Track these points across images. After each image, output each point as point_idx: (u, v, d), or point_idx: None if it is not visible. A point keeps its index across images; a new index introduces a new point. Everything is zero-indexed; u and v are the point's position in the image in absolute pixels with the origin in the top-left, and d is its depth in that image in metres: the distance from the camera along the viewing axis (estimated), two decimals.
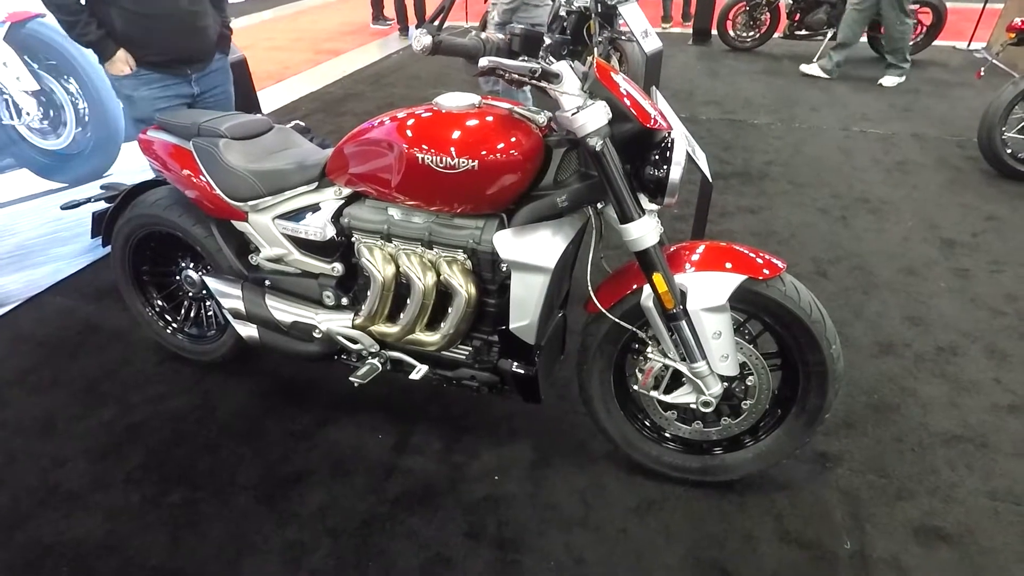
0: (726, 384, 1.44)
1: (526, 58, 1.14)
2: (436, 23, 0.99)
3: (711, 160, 3.54)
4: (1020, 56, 4.63)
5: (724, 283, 1.33)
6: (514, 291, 1.39)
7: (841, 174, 3.35)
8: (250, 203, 1.64)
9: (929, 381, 1.98)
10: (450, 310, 1.49)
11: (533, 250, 1.34)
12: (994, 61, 4.64)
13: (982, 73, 3.66)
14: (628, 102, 1.27)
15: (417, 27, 1.00)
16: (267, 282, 1.74)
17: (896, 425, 1.82)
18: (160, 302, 2.08)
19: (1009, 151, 3.15)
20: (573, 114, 1.24)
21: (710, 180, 1.83)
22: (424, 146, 1.32)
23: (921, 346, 2.12)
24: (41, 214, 1.90)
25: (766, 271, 1.36)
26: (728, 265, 1.35)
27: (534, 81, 1.20)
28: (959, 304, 2.33)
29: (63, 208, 1.90)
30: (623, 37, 3.77)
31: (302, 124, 3.51)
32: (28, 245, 2.40)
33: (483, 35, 1.12)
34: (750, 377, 1.46)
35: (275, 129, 1.78)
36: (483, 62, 1.06)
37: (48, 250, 2.53)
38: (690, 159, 1.82)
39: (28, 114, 2.39)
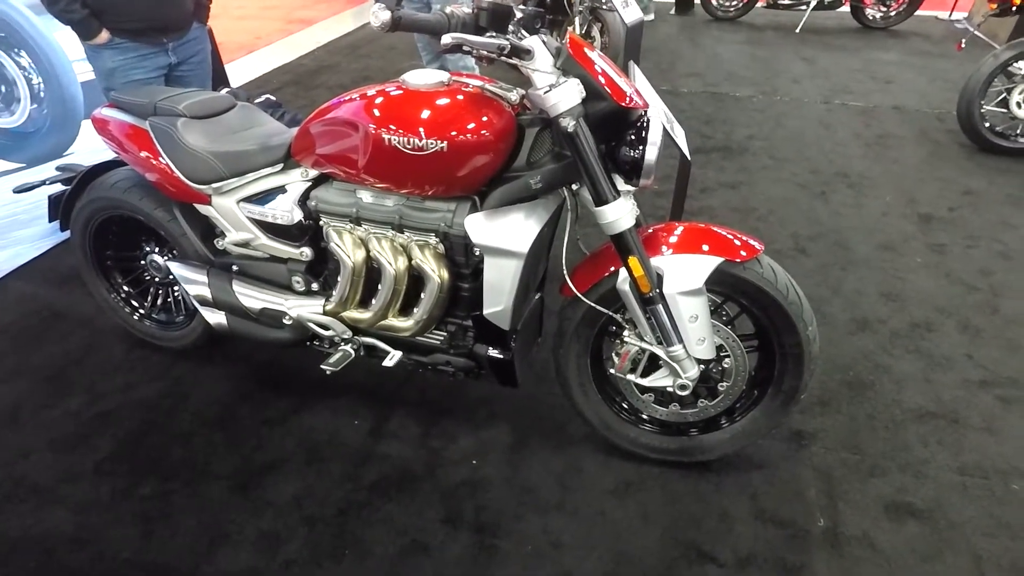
0: (703, 367, 1.43)
1: (494, 34, 1.08)
2: None
3: (692, 135, 3.50)
4: (1002, 27, 4.61)
5: (701, 266, 1.31)
6: (487, 276, 1.36)
7: (822, 148, 3.34)
8: (213, 186, 1.57)
9: (903, 357, 1.99)
10: (423, 295, 1.45)
11: (506, 234, 1.30)
12: (975, 32, 4.62)
13: (963, 45, 3.64)
14: (603, 79, 1.22)
15: (376, 1, 0.94)
16: (234, 267, 1.69)
17: (870, 402, 1.84)
18: (126, 288, 2.01)
19: (988, 125, 3.15)
20: (545, 92, 1.19)
21: (688, 158, 1.80)
22: (391, 126, 1.26)
23: (897, 322, 2.14)
24: (43, 191, 1.83)
25: (743, 253, 1.34)
26: (705, 248, 1.33)
27: (504, 58, 1.15)
28: (934, 279, 2.34)
29: (15, 191, 1.82)
30: (604, 7, 3.68)
31: (273, 99, 3.38)
32: None
33: (448, 9, 1.06)
34: (727, 359, 1.46)
35: (238, 107, 1.70)
36: (446, 39, 1.01)
37: (7, 233, 2.43)
38: (668, 137, 1.78)
39: None
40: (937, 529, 1.50)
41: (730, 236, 1.38)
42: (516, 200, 1.35)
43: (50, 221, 1.90)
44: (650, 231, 1.42)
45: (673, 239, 1.37)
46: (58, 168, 1.90)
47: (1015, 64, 2.99)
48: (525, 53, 1.19)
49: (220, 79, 3.46)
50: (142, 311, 2.00)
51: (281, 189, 1.55)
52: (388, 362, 1.54)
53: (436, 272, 1.41)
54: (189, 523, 1.56)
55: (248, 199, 1.57)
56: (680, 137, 1.82)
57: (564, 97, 1.18)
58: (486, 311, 1.40)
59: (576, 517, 1.54)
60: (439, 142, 1.24)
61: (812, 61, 4.67)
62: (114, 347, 2.10)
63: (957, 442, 1.71)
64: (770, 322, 1.40)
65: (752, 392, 1.54)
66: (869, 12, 5.33)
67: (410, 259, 1.44)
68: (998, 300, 2.23)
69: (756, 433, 1.54)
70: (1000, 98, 3.12)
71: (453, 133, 1.24)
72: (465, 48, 1.03)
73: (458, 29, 1.04)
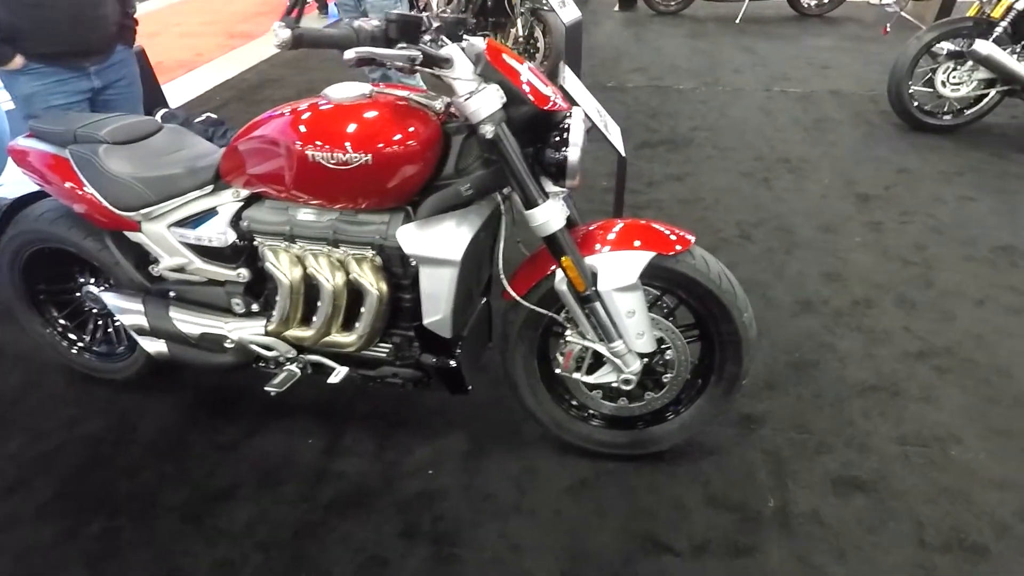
0: (645, 360, 1.45)
1: (404, 45, 1.08)
2: (293, 16, 0.92)
3: (638, 129, 3.55)
4: (928, 9, 4.80)
5: (634, 261, 1.33)
6: (423, 286, 1.36)
7: (763, 135, 3.42)
8: (141, 212, 1.53)
9: (846, 335, 2.06)
10: (363, 310, 1.44)
11: (438, 243, 1.30)
12: (903, 14, 4.80)
13: (888, 29, 3.78)
14: (522, 84, 1.23)
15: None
16: (171, 294, 1.64)
17: (816, 381, 1.89)
18: (62, 321, 1.94)
19: (916, 104, 3.28)
20: (465, 100, 1.19)
21: (623, 155, 1.83)
22: (315, 142, 1.25)
23: (839, 301, 2.21)
24: None
25: (676, 246, 1.36)
26: (637, 243, 1.35)
27: (420, 68, 1.15)
28: (873, 257, 2.43)
29: None
30: (545, 7, 3.71)
31: (214, 117, 3.31)
32: None
33: (356, 23, 1.05)
34: (668, 351, 1.48)
35: (165, 129, 1.66)
36: (348, 54, 1.00)
37: None
38: (601, 135, 1.81)
39: None
40: (881, 500, 1.55)
41: (663, 230, 1.40)
42: (448, 208, 1.35)
43: None
44: (586, 230, 1.43)
45: (607, 237, 1.39)
46: None
47: (937, 45, 3.12)
48: (444, 62, 1.19)
49: (157, 100, 3.38)
50: (81, 344, 1.93)
51: (212, 211, 1.51)
52: (334, 379, 1.53)
53: (374, 286, 1.40)
54: (140, 558, 1.51)
55: (179, 223, 1.53)
56: (615, 135, 1.85)
57: (483, 104, 1.19)
58: (426, 320, 1.40)
59: (533, 519, 1.55)
60: (363, 155, 1.23)
61: (752, 51, 4.79)
62: (56, 383, 2.03)
63: (898, 413, 1.77)
64: (707, 312, 1.43)
65: (696, 381, 1.57)
66: (804, 0, 5.49)
67: (348, 274, 1.43)
68: (932, 273, 2.33)
69: (703, 421, 1.57)
70: (927, 78, 3.25)
71: (377, 145, 1.23)
72: (377, 61, 1.03)
73: (367, 43, 1.04)
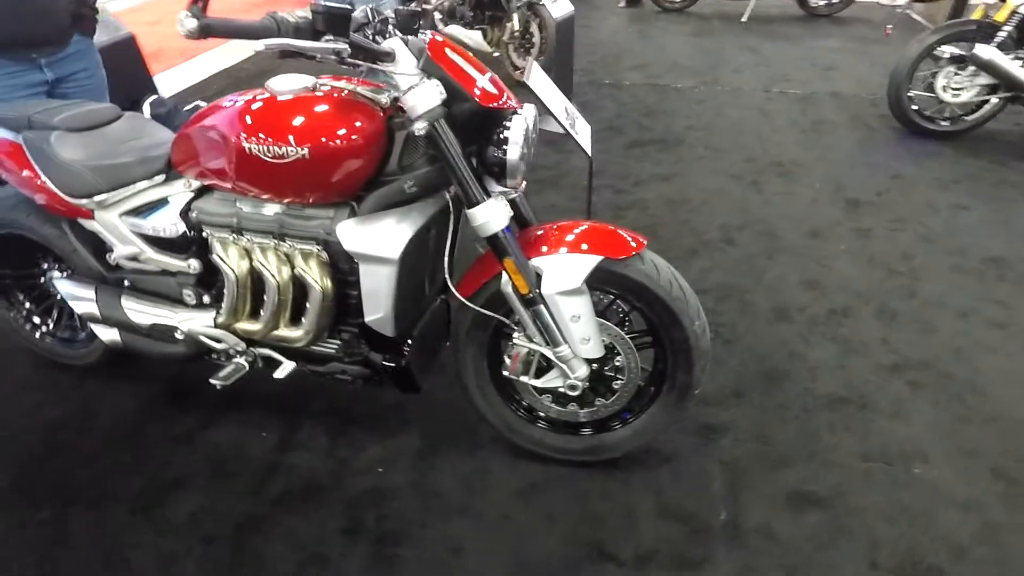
0: (594, 366, 1.42)
1: (331, 38, 1.05)
2: (199, 4, 0.90)
3: (631, 127, 3.50)
4: (939, 11, 4.68)
5: (580, 265, 1.29)
6: (363, 283, 1.33)
7: (758, 137, 3.35)
8: (95, 199, 1.52)
9: (820, 345, 2.01)
10: (307, 305, 1.42)
11: (376, 240, 1.27)
12: (914, 16, 4.68)
13: (890, 30, 3.68)
14: (465, 80, 1.20)
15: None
16: (126, 283, 1.64)
17: (783, 392, 1.84)
18: (28, 305, 1.94)
19: (916, 108, 3.19)
20: (404, 95, 1.17)
21: (589, 155, 1.79)
22: (253, 135, 1.23)
23: (816, 310, 2.15)
24: None
25: (626, 251, 1.32)
26: (584, 247, 1.31)
27: (355, 61, 1.12)
28: (857, 265, 2.36)
29: None
30: (539, 2, 3.66)
31: (204, 105, 3.32)
32: None
33: (280, 14, 1.03)
34: (619, 357, 1.45)
35: (124, 117, 1.65)
36: (257, 45, 0.98)
37: None
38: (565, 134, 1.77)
39: None
40: (837, 517, 1.50)
41: (614, 233, 1.36)
42: (392, 205, 1.32)
43: None
44: (537, 231, 1.40)
45: (556, 239, 1.35)
46: None
47: (939, 48, 3.03)
48: (384, 55, 1.17)
49: (146, 88, 3.38)
50: (44, 329, 1.94)
51: (164, 201, 1.50)
52: (279, 373, 1.51)
53: (318, 282, 1.38)
54: (87, 548, 1.51)
55: (131, 212, 1.52)
56: (583, 134, 1.81)
57: (420, 99, 1.16)
58: (367, 318, 1.38)
59: (480, 521, 1.53)
60: (300, 149, 1.21)
61: (756, 50, 4.70)
62: (23, 366, 2.03)
63: (864, 428, 1.72)
64: (658, 318, 1.39)
65: (650, 389, 1.53)
66: (812, 0, 5.38)
67: (293, 268, 1.41)
68: (917, 284, 2.26)
69: (656, 428, 1.54)
70: (927, 83, 3.16)
71: (314, 139, 1.21)
72: (299, 54, 1.00)
73: (289, 35, 1.01)
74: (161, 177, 1.50)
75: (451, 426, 1.76)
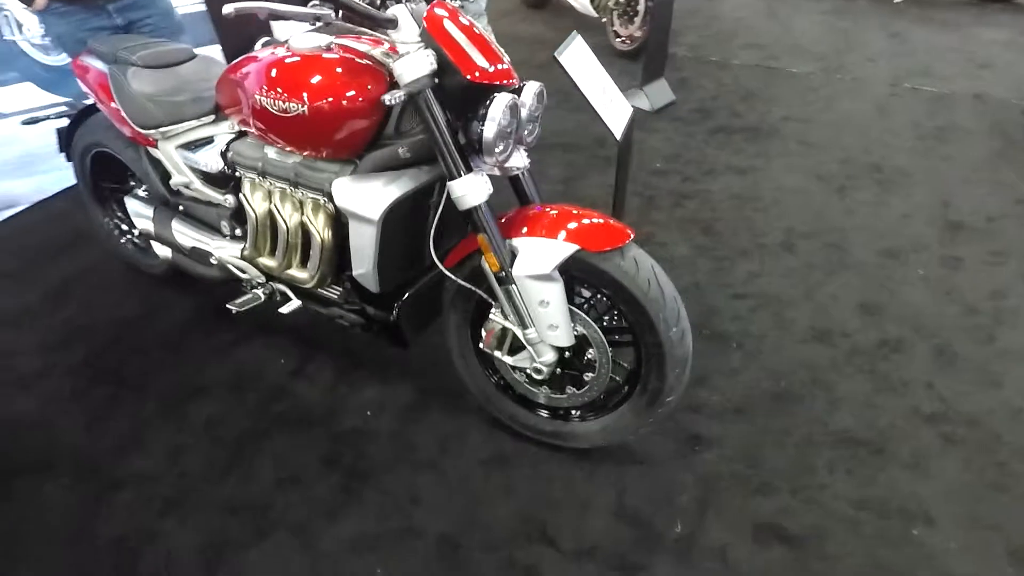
0: (565, 354, 1.41)
1: (317, 3, 1.10)
2: None
3: (721, 112, 3.26)
4: None
5: (553, 252, 1.28)
6: (351, 239, 1.41)
7: (864, 137, 2.99)
8: (161, 130, 1.72)
9: (853, 377, 1.82)
10: (311, 251, 1.53)
11: (361, 199, 1.34)
12: None
13: None
14: (457, 52, 1.20)
15: None
16: (181, 207, 1.85)
17: (791, 417, 1.71)
18: (119, 214, 2.26)
19: None
20: (393, 62, 1.20)
21: (617, 138, 1.71)
22: (264, 88, 1.33)
23: (863, 338, 1.95)
24: (44, 125, 2.09)
25: (604, 243, 1.28)
26: (562, 234, 1.29)
27: (352, 26, 1.16)
28: (930, 296, 2.09)
29: (24, 124, 2.08)
30: None
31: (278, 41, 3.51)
32: (34, 153, 2.65)
33: None
34: (590, 350, 1.42)
35: (196, 59, 1.83)
36: (227, 8, 1.04)
37: (52, 159, 2.78)
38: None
39: (29, 30, 2.57)
40: (803, 559, 1.40)
41: (600, 222, 1.32)
42: (388, 168, 1.37)
43: (59, 152, 2.17)
44: (527, 211, 1.39)
45: (540, 221, 1.33)
46: (67, 104, 2.15)
47: None
48: (387, 22, 1.20)
49: (262, 30, 3.65)
50: (128, 237, 2.25)
51: (210, 139, 1.67)
52: (284, 309, 1.66)
53: (320, 231, 1.48)
54: (121, 428, 1.79)
55: (184, 146, 1.71)
56: (618, 117, 1.73)
57: (407, 68, 1.18)
58: (354, 272, 1.46)
59: (443, 478, 1.60)
60: (300, 105, 1.29)
61: (900, 37, 4.12)
62: (113, 268, 2.39)
63: (870, 475, 1.57)
64: (633, 318, 1.35)
65: (624, 387, 1.50)
66: None
67: (303, 215, 1.52)
68: (998, 329, 1.96)
69: (625, 430, 1.50)
70: None
71: (313, 97, 1.28)
72: (278, 16, 1.06)
73: None
74: (211, 117, 1.65)
75: (444, 387, 1.84)
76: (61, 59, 2.75)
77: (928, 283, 2.14)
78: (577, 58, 1.65)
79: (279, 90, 1.31)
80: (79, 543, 1.50)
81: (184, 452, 1.70)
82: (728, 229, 2.44)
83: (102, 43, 1.81)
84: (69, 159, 2.15)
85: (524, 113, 1.30)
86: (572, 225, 1.30)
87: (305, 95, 1.28)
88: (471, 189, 1.26)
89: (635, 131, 3.16)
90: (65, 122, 2.13)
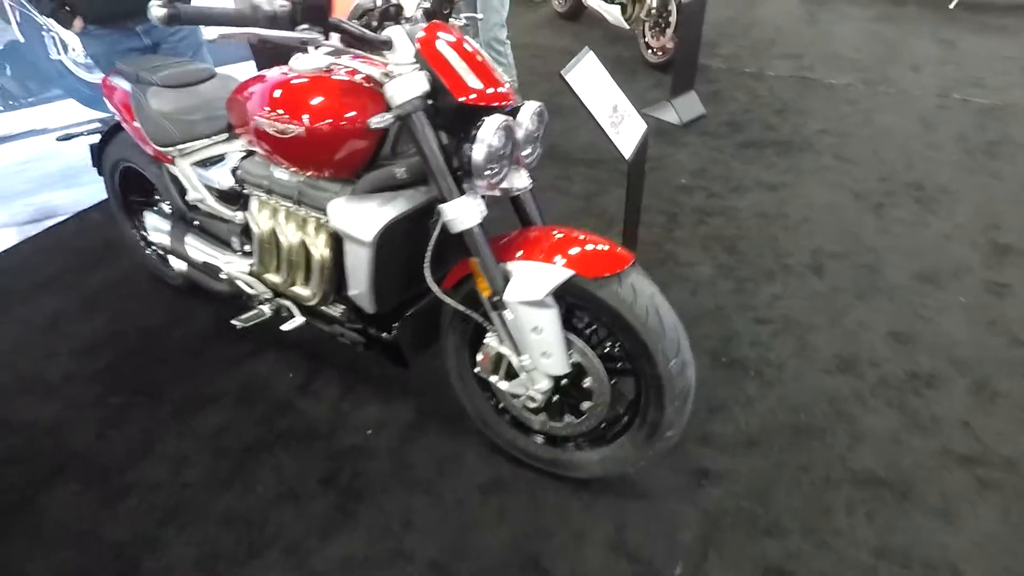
0: (562, 381, 1.37)
1: (307, 27, 1.09)
2: None
3: (753, 125, 3.15)
4: None
5: (547, 277, 1.24)
6: (347, 259, 1.40)
7: (906, 152, 2.83)
8: (179, 148, 1.77)
9: (879, 411, 1.71)
10: (311, 269, 1.54)
11: (355, 221, 1.33)
12: None
13: None
14: (447, 74, 1.18)
15: None
16: (196, 222, 1.90)
17: (809, 453, 1.61)
18: (145, 227, 2.33)
19: None
20: (385, 84, 1.19)
21: (626, 158, 1.66)
22: (262, 109, 1.34)
23: (893, 368, 1.82)
24: (78, 141, 2.21)
25: (602, 269, 1.23)
26: (558, 258, 1.25)
27: (345, 49, 1.16)
28: (971, 325, 1.94)
29: (58, 139, 2.18)
30: None
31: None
32: (74, 166, 2.79)
33: (256, 1, 1.08)
34: (587, 379, 1.37)
35: (217, 78, 1.88)
36: (210, 34, 1.04)
37: (90, 172, 2.91)
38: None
39: (73, 49, 2.71)
40: None
41: (600, 247, 1.27)
42: (385, 189, 1.37)
43: (92, 166, 2.26)
44: (529, 233, 1.35)
45: (537, 244, 1.30)
46: (99, 121, 2.24)
47: None
48: (381, 44, 1.19)
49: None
50: (150, 250, 2.32)
51: (222, 157, 1.70)
52: (286, 326, 1.67)
53: (318, 249, 1.49)
54: (131, 435, 1.83)
55: (198, 163, 1.75)
56: (627, 136, 1.68)
57: (399, 90, 1.17)
58: (349, 292, 1.46)
59: (438, 501, 1.57)
60: (298, 127, 1.29)
61: (951, 44, 3.90)
62: (143, 278, 2.47)
63: (892, 520, 1.46)
64: (631, 347, 1.29)
65: (623, 418, 1.44)
66: None
67: (305, 233, 1.53)
68: None
69: (624, 462, 1.44)
70: None
71: (311, 119, 1.28)
72: (268, 42, 1.06)
73: (265, 24, 1.07)
74: (224, 135, 1.69)
75: (445, 407, 1.81)
76: (100, 77, 2.88)
77: (969, 311, 1.99)
78: (586, 75, 1.61)
79: (279, 111, 1.32)
80: (84, 547, 1.54)
81: (189, 462, 1.73)
82: (753, 248, 2.34)
83: (128, 64, 1.88)
84: (100, 174, 2.24)
85: (521, 134, 1.28)
86: (569, 249, 1.26)
87: (303, 117, 1.29)
88: (463, 212, 1.23)
89: (661, 145, 3.10)
90: (97, 138, 2.23)
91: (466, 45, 1.24)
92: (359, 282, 1.41)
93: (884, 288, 2.11)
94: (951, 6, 4.39)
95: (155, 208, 2.05)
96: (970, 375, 1.78)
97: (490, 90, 1.21)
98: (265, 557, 1.48)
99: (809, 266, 2.23)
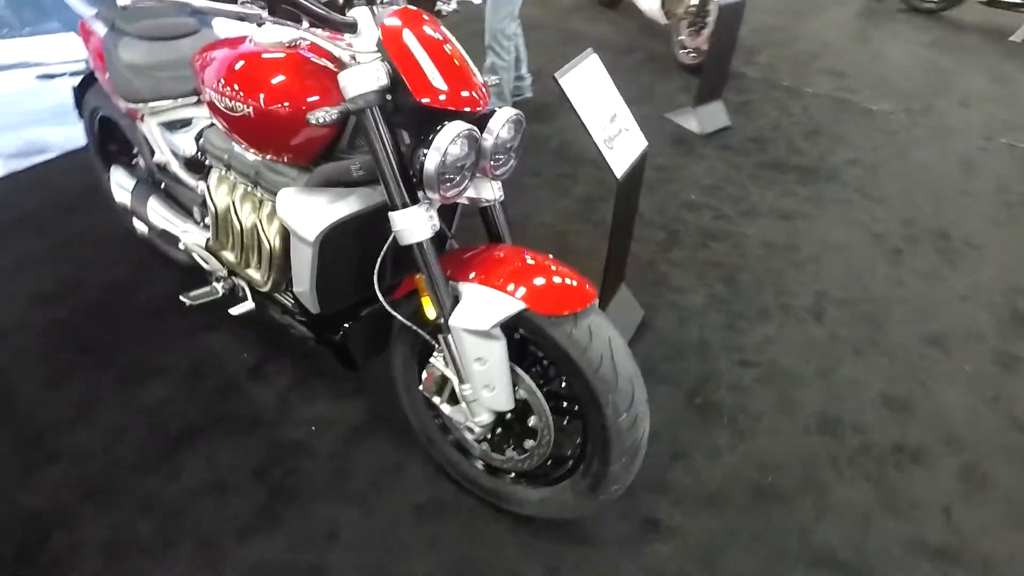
0: (494, 416, 1.26)
1: (249, 2, 0.97)
2: None
3: (778, 145, 2.95)
4: None
5: (496, 307, 1.12)
6: (292, 254, 1.30)
7: (937, 195, 2.63)
8: (140, 106, 1.66)
9: (855, 483, 1.58)
10: (261, 255, 1.44)
11: (301, 216, 1.22)
12: None
13: None
14: (409, 69, 1.05)
15: None
16: (163, 185, 1.80)
17: (770, 520, 1.50)
18: None
19: None
20: (339, 73, 1.06)
21: (617, 177, 1.51)
22: (215, 81, 1.22)
23: (878, 437, 1.69)
24: (67, 81, 2.11)
25: (558, 306, 1.11)
26: (512, 287, 1.12)
27: (315, 31, 1.03)
28: (971, 399, 1.79)
29: (37, 78, 2.09)
30: None
31: None
32: (69, 103, 2.70)
33: None
34: (532, 418, 1.26)
35: (198, 34, 1.76)
36: (121, 0, 0.92)
37: None
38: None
39: None
40: None
41: (561, 282, 1.15)
42: (340, 183, 1.25)
43: (75, 108, 2.16)
44: (491, 252, 1.23)
45: (495, 267, 1.17)
46: (86, 61, 2.14)
47: None
48: (346, 26, 1.06)
49: None
50: None
51: (189, 121, 1.59)
52: (234, 310, 1.57)
53: (268, 236, 1.38)
54: (74, 395, 1.77)
55: (164, 124, 1.64)
56: (623, 152, 1.53)
57: (353, 81, 1.04)
58: (295, 288, 1.35)
59: (369, 516, 1.49)
60: (245, 106, 1.18)
61: (1007, 82, 3.63)
62: (117, 232, 2.38)
63: None
64: (580, 393, 1.18)
65: (569, 462, 1.33)
66: None
67: (260, 216, 1.42)
68: None
69: (564, 507, 1.34)
70: None
71: (259, 99, 1.16)
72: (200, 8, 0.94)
73: None
74: (193, 98, 1.58)
75: (398, 414, 1.69)
76: None
77: (973, 383, 1.84)
78: (584, 80, 1.46)
79: (232, 87, 1.20)
80: None
81: (124, 436, 1.66)
82: (753, 281, 2.19)
83: (109, 7, 1.77)
84: (80, 117, 2.14)
85: (490, 143, 1.14)
86: (529, 279, 1.13)
87: (253, 96, 1.17)
88: (413, 224, 1.11)
89: (676, 155, 2.92)
90: (78, 80, 2.13)
91: (438, 37, 1.10)
92: (302, 280, 1.31)
93: (885, 345, 1.96)
94: (1015, 38, 4.09)
95: (123, 163, 1.95)
96: (962, 456, 1.64)
97: (462, 93, 1.08)
98: (177, 550, 1.41)
99: (809, 309, 2.08)
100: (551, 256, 1.21)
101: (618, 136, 1.53)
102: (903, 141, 3.02)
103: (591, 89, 1.49)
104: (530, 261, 1.17)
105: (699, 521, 1.49)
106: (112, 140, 2.15)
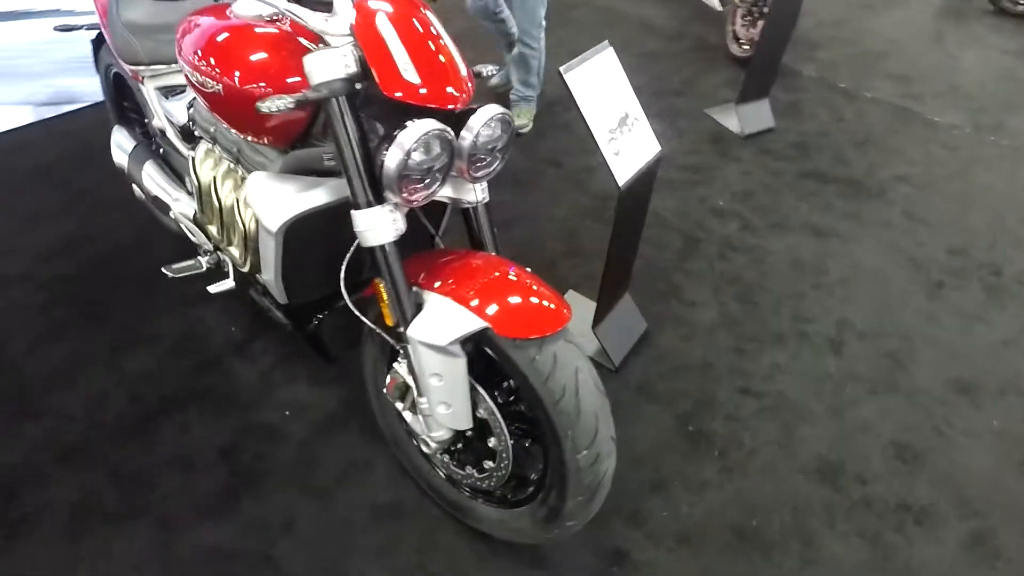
0: (451, 433, 1.19)
1: None
2: None
3: (823, 154, 2.73)
4: None
5: (456, 323, 1.04)
6: (259, 240, 1.24)
7: (995, 224, 2.39)
8: (140, 68, 1.62)
9: (848, 539, 1.45)
10: (237, 236, 1.39)
11: (266, 204, 1.15)
12: None
13: None
14: (378, 58, 0.95)
15: None
16: (162, 151, 1.77)
17: (748, 568, 1.39)
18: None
19: None
20: (304, 57, 0.98)
21: (619, 185, 1.39)
22: (190, 53, 1.16)
23: (882, 490, 1.55)
24: (84, 34, 2.10)
25: (522, 328, 1.02)
26: (477, 302, 1.04)
27: (295, 7, 0.95)
28: (994, 460, 1.62)
29: (55, 29, 2.07)
30: None
31: None
32: (89, 55, 2.70)
33: None
34: (491, 439, 1.18)
35: None
36: None
37: None
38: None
39: None
40: None
41: (537, 301, 1.05)
42: (312, 171, 1.18)
43: (94, 62, 2.15)
44: (465, 259, 1.14)
45: (466, 277, 1.09)
46: None
47: None
48: (320, 5, 0.98)
49: None
50: None
51: (184, 88, 1.54)
52: (212, 288, 1.54)
53: (242, 218, 1.33)
54: (62, 353, 1.79)
55: (160, 89, 1.60)
56: (628, 156, 1.40)
57: (317, 67, 0.96)
58: (262, 275, 1.30)
59: (328, 511, 1.46)
60: (215, 83, 1.11)
61: None
62: (128, 189, 2.39)
63: None
64: (539, 422, 1.09)
65: (527, 488, 1.25)
66: None
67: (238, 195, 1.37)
68: None
69: (521, 533, 1.27)
70: None
71: (231, 77, 1.09)
72: None
73: None
74: None
75: (372, 411, 1.67)
76: None
77: (999, 440, 1.66)
78: (594, 77, 1.34)
79: (205, 60, 1.13)
80: None
81: (106, 401, 1.68)
82: (770, 302, 2.04)
83: None
84: (97, 71, 2.13)
85: (468, 143, 1.05)
86: (497, 294, 1.05)
87: (224, 72, 1.10)
88: (375, 225, 1.03)
89: (710, 155, 2.74)
90: (95, 34, 2.10)
91: (419, 22, 1.00)
92: (268, 267, 1.25)
93: (906, 388, 1.79)
94: None
95: (133, 123, 1.93)
96: (973, 522, 1.49)
97: (439, 87, 0.98)
98: (137, 524, 1.42)
99: (828, 339, 1.92)
100: (530, 271, 1.12)
101: (626, 138, 1.40)
102: (965, 160, 2.75)
103: (601, 86, 1.36)
104: (505, 275, 1.08)
105: (670, 560, 1.40)
106: (126, 98, 2.14)
